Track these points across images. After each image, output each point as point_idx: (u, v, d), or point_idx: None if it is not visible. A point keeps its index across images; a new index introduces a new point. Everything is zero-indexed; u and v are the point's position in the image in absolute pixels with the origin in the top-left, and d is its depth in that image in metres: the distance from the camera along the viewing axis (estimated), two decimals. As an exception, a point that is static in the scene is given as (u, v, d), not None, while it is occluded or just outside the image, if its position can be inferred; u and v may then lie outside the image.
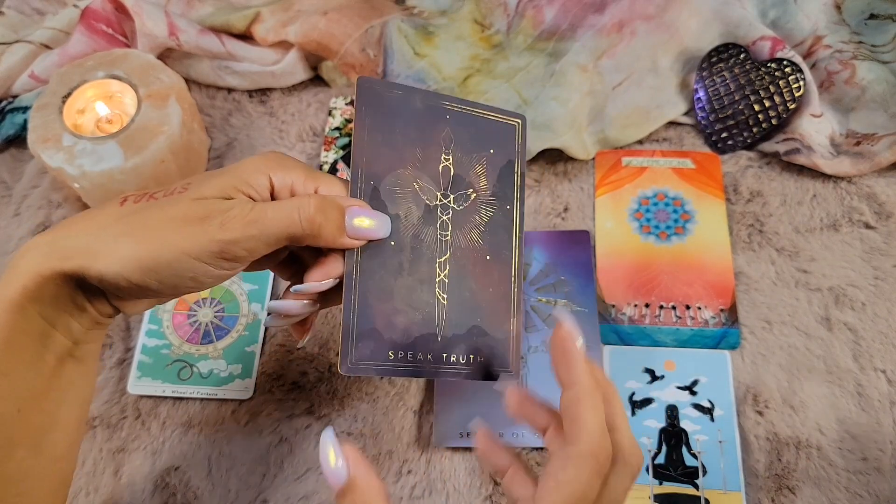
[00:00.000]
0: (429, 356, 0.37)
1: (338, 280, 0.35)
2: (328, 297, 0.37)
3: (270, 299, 0.36)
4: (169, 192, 0.33)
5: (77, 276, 0.31)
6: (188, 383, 0.49)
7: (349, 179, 0.36)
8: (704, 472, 0.45)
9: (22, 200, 0.58)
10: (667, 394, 0.47)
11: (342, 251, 0.35)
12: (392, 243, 0.36)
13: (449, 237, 0.37)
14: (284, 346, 0.51)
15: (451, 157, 0.38)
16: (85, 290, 0.32)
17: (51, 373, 0.31)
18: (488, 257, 0.38)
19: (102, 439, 0.48)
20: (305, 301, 0.36)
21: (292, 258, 0.39)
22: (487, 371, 0.38)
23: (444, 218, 0.37)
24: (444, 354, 0.37)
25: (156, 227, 0.31)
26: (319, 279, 0.35)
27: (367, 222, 0.34)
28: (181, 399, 0.49)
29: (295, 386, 0.49)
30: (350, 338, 0.35)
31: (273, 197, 0.34)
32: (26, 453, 0.30)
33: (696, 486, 0.44)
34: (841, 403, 0.46)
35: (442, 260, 0.37)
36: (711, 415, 0.46)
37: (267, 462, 0.47)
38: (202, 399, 0.49)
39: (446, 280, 0.37)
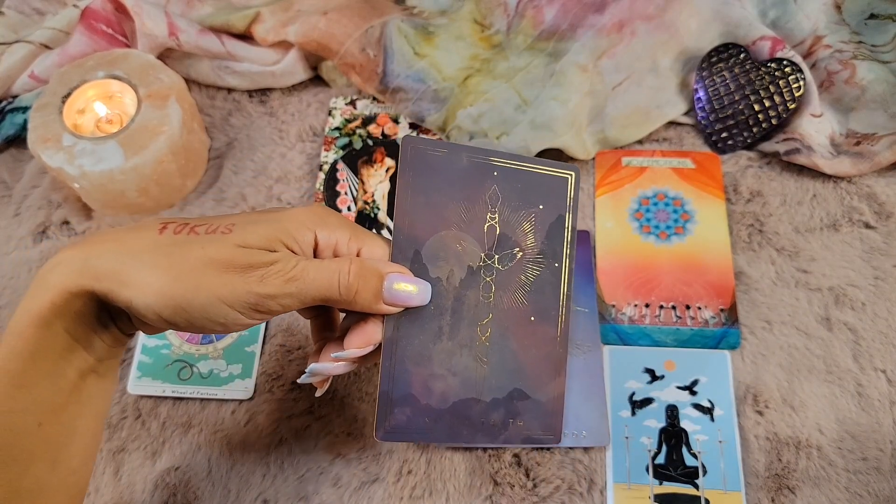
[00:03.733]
0: (466, 421, 0.36)
1: (378, 345, 0.35)
2: (366, 357, 0.36)
3: (310, 363, 0.35)
4: (212, 228, 0.32)
5: (105, 298, 0.30)
6: (188, 383, 0.49)
7: (391, 241, 0.35)
8: (704, 472, 0.45)
9: (22, 200, 0.58)
10: (667, 394, 0.47)
11: (381, 315, 0.35)
12: (432, 307, 0.35)
13: (492, 299, 0.36)
14: (284, 346, 0.51)
15: (497, 215, 0.36)
16: (109, 310, 0.32)
17: (71, 387, 0.31)
18: (532, 318, 0.37)
19: (103, 439, 0.48)
20: (344, 362, 0.35)
21: None
22: (528, 435, 0.37)
23: (488, 279, 0.36)
24: (483, 419, 0.36)
25: (195, 267, 0.30)
26: (359, 345, 0.34)
27: (406, 289, 0.34)
28: (181, 399, 0.49)
29: (295, 386, 0.49)
30: (387, 404, 0.35)
31: (316, 254, 0.34)
32: (44, 467, 0.30)
33: (696, 486, 0.44)
34: (841, 403, 0.47)
35: (483, 323, 0.36)
36: (711, 415, 0.46)
37: (267, 462, 0.47)
38: (202, 399, 0.49)
39: (487, 343, 0.36)
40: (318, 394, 0.38)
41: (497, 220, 0.36)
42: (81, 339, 0.31)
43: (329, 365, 0.35)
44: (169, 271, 0.30)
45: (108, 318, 0.33)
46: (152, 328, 0.33)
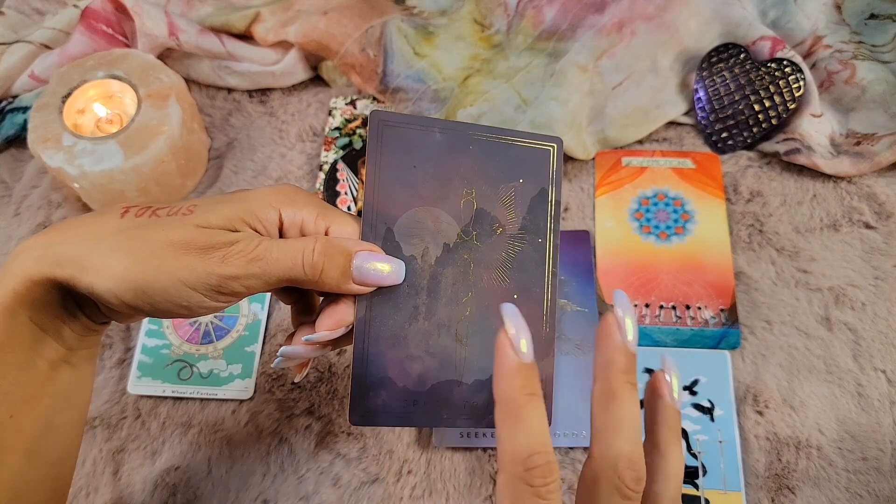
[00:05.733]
0: (447, 404, 0.34)
1: (350, 327, 0.34)
2: (339, 339, 0.35)
3: (282, 345, 0.35)
4: (173, 210, 0.31)
5: (67, 285, 0.30)
6: (188, 383, 0.49)
7: (362, 219, 0.34)
8: (704, 472, 0.45)
9: (22, 200, 0.58)
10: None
11: (353, 296, 0.33)
12: (407, 287, 0.34)
13: (471, 277, 0.35)
14: (284, 346, 0.51)
15: (473, 190, 0.35)
16: (76, 297, 0.32)
17: (43, 378, 0.31)
18: (516, 296, 0.35)
19: (102, 439, 0.48)
20: (317, 345, 0.34)
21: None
22: None
23: (466, 257, 0.35)
24: (465, 402, 0.35)
25: (155, 249, 0.30)
26: (330, 327, 0.33)
27: (377, 268, 0.32)
28: (181, 399, 0.49)
29: (295, 386, 0.49)
30: (360, 387, 0.33)
31: (282, 233, 0.33)
32: (20, 458, 0.30)
33: (696, 486, 0.44)
34: (841, 403, 0.47)
35: (462, 302, 0.34)
36: (711, 415, 0.47)
37: (267, 462, 0.47)
38: (202, 399, 0.49)
39: (468, 323, 0.34)
40: (296, 380, 0.37)
41: (474, 195, 0.35)
42: (49, 329, 0.31)
43: (300, 348, 0.34)
44: (129, 255, 0.29)
45: (74, 306, 0.32)
46: (120, 315, 0.33)
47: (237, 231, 0.31)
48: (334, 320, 0.33)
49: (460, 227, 0.35)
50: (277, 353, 0.34)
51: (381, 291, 0.33)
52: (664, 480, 0.28)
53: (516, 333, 0.27)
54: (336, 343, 0.35)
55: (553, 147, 0.36)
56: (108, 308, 0.32)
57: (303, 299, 0.38)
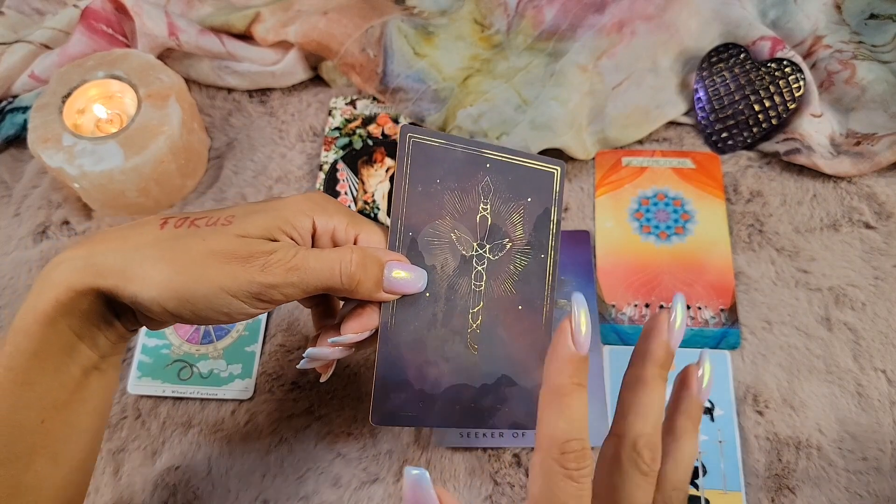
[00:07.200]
0: (457, 406, 0.37)
1: (375, 331, 0.36)
2: (363, 342, 0.37)
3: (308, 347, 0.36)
4: (212, 221, 0.33)
5: (111, 294, 0.31)
6: (188, 383, 0.49)
7: (388, 228, 0.36)
8: (704, 472, 0.45)
9: (22, 200, 0.58)
10: (667, 394, 0.47)
11: (378, 302, 0.35)
12: (427, 295, 0.36)
13: (483, 287, 0.37)
14: (284, 346, 0.51)
15: (489, 206, 0.37)
16: (115, 306, 0.32)
17: (75, 384, 0.32)
18: (520, 307, 0.38)
19: (103, 439, 0.48)
20: (342, 347, 0.36)
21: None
22: (514, 421, 0.38)
23: (479, 268, 0.37)
24: (473, 404, 0.37)
25: (197, 259, 0.31)
26: (357, 331, 0.35)
27: (404, 277, 0.34)
28: (181, 399, 0.49)
29: (295, 386, 0.49)
30: (383, 389, 0.36)
31: (314, 240, 0.35)
32: (46, 463, 0.31)
33: (696, 486, 0.44)
34: (841, 403, 0.47)
35: (475, 310, 0.37)
36: (711, 415, 0.47)
37: (267, 462, 0.47)
38: (202, 399, 0.49)
39: (478, 330, 0.37)
40: (322, 380, 0.38)
41: (489, 210, 0.37)
42: (86, 337, 0.32)
43: (326, 350, 0.35)
44: (172, 264, 0.30)
45: (112, 315, 0.33)
46: (157, 323, 0.34)
47: (275, 240, 0.33)
48: (361, 325, 0.35)
49: (476, 241, 0.37)
50: (303, 355, 0.35)
51: (404, 298, 0.36)
52: (673, 462, 0.30)
53: (578, 324, 0.27)
54: (359, 346, 0.37)
55: (557, 170, 0.39)
56: (145, 316, 0.33)
57: (323, 303, 0.39)
